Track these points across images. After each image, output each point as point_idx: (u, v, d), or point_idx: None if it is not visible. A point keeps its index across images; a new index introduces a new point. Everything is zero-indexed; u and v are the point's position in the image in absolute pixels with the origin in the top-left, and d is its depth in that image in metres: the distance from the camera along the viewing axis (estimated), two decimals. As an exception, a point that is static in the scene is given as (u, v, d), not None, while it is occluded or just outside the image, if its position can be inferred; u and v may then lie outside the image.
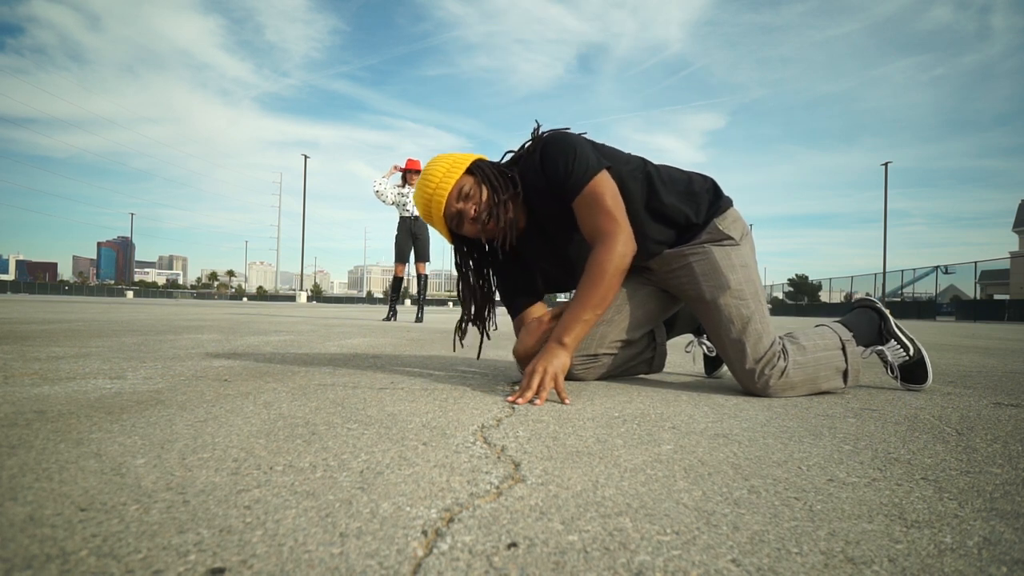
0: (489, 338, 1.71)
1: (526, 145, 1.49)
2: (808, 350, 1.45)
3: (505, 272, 1.63)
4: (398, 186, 6.43)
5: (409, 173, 6.37)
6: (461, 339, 1.64)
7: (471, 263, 1.60)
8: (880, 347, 1.59)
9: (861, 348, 1.57)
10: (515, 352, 1.54)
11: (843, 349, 1.48)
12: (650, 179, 1.48)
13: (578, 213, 1.40)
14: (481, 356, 2.33)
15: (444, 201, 1.42)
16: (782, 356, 1.42)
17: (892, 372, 1.60)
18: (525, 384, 1.26)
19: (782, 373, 1.40)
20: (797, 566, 0.48)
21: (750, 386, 1.43)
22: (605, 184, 1.37)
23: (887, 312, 1.63)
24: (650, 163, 1.53)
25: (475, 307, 1.61)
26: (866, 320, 1.62)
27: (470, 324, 1.63)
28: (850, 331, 1.54)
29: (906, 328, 1.64)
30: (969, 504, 0.65)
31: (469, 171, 1.45)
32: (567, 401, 1.24)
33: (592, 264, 1.36)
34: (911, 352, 1.59)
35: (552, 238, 1.53)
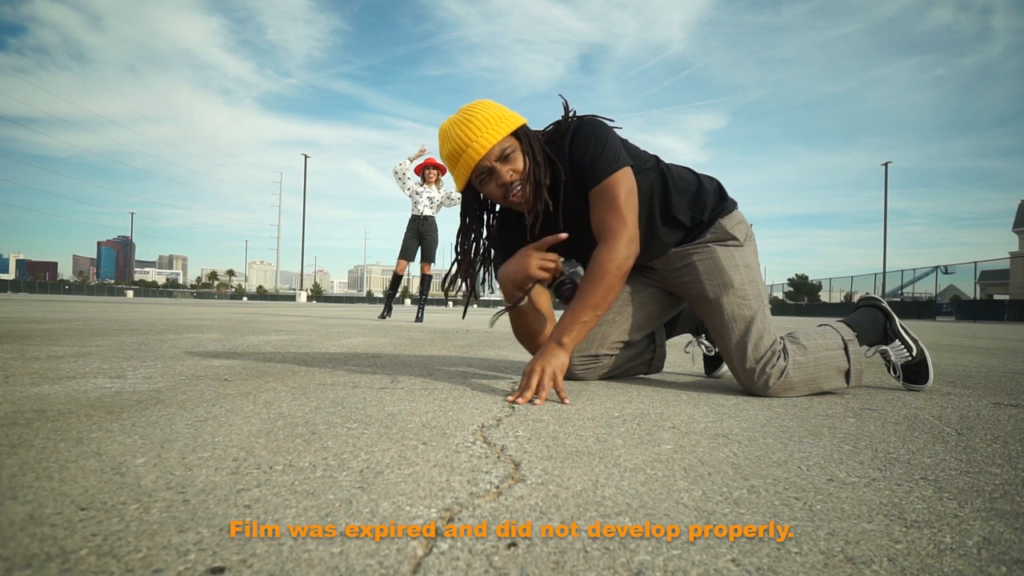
0: (477, 298, 1.63)
1: (559, 124, 1.45)
2: (809, 350, 1.44)
3: (509, 248, 1.54)
4: (417, 183, 6.28)
5: (428, 170, 6.16)
6: (454, 292, 1.56)
7: (477, 217, 1.52)
8: (884, 347, 1.59)
9: (865, 347, 1.57)
10: (498, 277, 1.50)
11: (845, 349, 1.48)
12: (664, 180, 1.48)
13: (592, 204, 1.39)
14: (481, 354, 2.34)
15: (483, 153, 1.33)
16: (782, 356, 1.42)
17: (894, 372, 1.60)
18: (524, 384, 1.26)
19: (782, 373, 1.40)
20: (797, 566, 0.48)
21: (750, 385, 1.43)
22: (623, 181, 1.36)
23: (892, 311, 1.63)
24: (663, 162, 1.53)
25: (468, 261, 1.53)
26: (871, 319, 1.62)
27: (463, 286, 1.55)
28: (854, 331, 1.54)
29: (910, 328, 1.64)
30: (969, 504, 0.65)
31: (515, 134, 1.38)
32: (566, 401, 1.24)
33: (593, 265, 1.35)
34: (914, 352, 1.58)
35: (570, 225, 1.49)
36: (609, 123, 1.43)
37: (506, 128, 1.36)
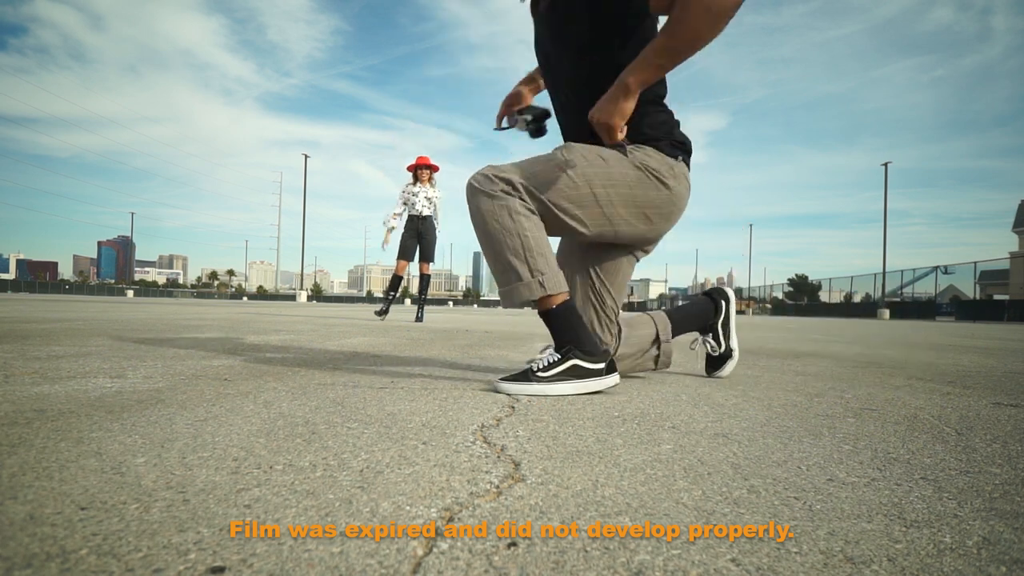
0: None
1: None
2: (630, 339, 1.65)
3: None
4: (408, 184, 6.31)
5: (420, 169, 6.23)
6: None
7: None
8: (700, 337, 1.81)
9: (696, 334, 1.81)
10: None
11: (657, 343, 1.68)
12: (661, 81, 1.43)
13: None
14: (481, 354, 2.34)
15: None
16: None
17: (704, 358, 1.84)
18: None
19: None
20: (796, 566, 0.48)
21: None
22: None
23: (726, 308, 1.79)
24: None
25: None
26: (699, 310, 1.80)
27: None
28: (671, 323, 1.72)
29: (735, 327, 1.81)
30: (968, 504, 0.65)
31: None
32: (620, 138, 1.29)
33: None
34: (722, 350, 1.78)
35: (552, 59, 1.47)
36: None
37: None
